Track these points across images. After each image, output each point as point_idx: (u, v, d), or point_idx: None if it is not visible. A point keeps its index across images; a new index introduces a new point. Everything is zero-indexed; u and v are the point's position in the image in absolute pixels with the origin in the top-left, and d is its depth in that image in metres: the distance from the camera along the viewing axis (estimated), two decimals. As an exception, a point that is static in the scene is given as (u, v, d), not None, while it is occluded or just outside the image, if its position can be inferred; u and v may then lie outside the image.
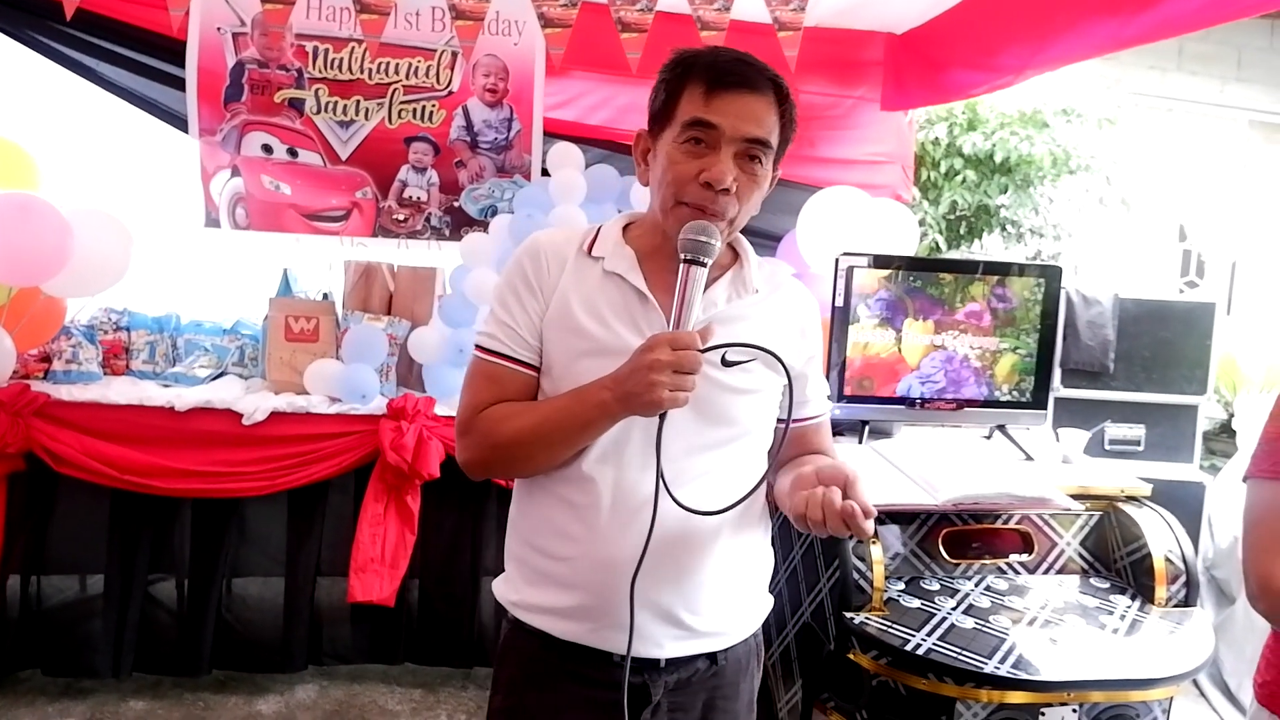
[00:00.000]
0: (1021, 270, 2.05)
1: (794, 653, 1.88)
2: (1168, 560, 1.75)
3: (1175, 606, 1.74)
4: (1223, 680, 3.27)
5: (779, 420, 1.27)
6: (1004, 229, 4.59)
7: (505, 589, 1.28)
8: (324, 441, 2.78)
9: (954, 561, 1.82)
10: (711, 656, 1.25)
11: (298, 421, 2.79)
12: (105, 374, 2.93)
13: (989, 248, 4.78)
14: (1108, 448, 3.39)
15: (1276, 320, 5.15)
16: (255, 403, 2.77)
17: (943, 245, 4.33)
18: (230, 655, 2.92)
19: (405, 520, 2.82)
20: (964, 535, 1.84)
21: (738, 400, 1.20)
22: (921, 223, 4.33)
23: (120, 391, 2.77)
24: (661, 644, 1.19)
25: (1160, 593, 1.74)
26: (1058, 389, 3.42)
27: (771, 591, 1.97)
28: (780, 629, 1.95)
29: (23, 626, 2.81)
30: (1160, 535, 1.78)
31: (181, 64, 3.38)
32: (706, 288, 1.16)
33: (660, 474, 1.10)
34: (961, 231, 4.58)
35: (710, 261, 1.11)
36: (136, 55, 3.35)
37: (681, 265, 1.10)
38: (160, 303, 3.19)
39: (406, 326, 3.07)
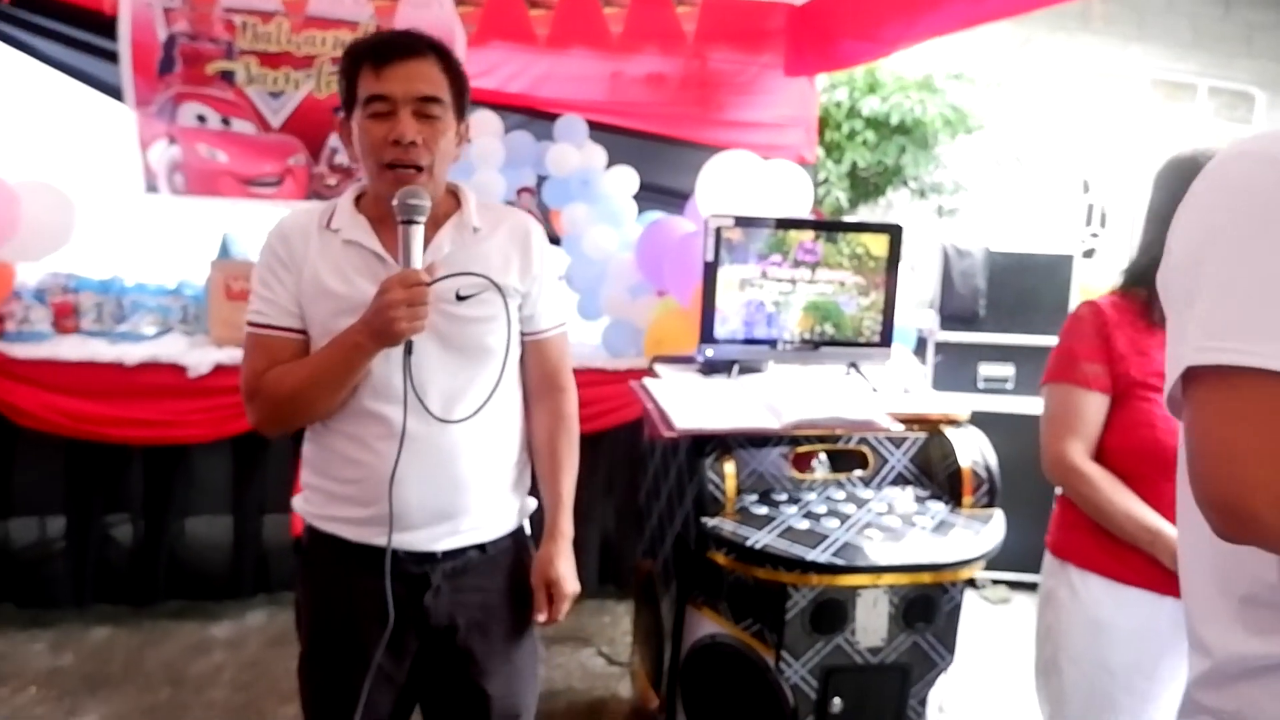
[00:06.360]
0: (866, 228, 2.36)
1: (671, 561, 2.21)
2: (973, 471, 2.11)
3: (980, 508, 2.10)
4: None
5: (523, 335, 1.56)
6: (907, 185, 4.91)
7: (305, 505, 1.55)
8: (264, 391, 3.03)
9: (802, 478, 2.16)
10: (481, 547, 1.52)
11: (239, 374, 3.03)
12: (56, 334, 3.12)
13: (895, 204, 5.11)
14: (981, 386, 3.78)
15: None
16: (199, 357, 3.01)
17: (845, 203, 4.62)
18: (185, 586, 3.19)
19: (341, 461, 3.09)
20: (812, 455, 2.18)
21: (475, 327, 1.46)
22: (826, 181, 4.62)
23: (71, 349, 2.98)
24: (438, 540, 1.47)
25: (967, 499, 2.10)
26: (937, 333, 3.80)
27: (656, 513, 2.31)
28: (662, 542, 2.29)
29: (-9, 565, 3.05)
30: (969, 450, 2.13)
31: (115, 38, 3.51)
32: (435, 235, 1.42)
33: (413, 389, 1.37)
34: (870, 189, 4.88)
35: (423, 218, 1.34)
36: (71, 31, 3.47)
37: (400, 226, 1.33)
38: (105, 266, 3.37)
39: (338, 285, 3.29)
